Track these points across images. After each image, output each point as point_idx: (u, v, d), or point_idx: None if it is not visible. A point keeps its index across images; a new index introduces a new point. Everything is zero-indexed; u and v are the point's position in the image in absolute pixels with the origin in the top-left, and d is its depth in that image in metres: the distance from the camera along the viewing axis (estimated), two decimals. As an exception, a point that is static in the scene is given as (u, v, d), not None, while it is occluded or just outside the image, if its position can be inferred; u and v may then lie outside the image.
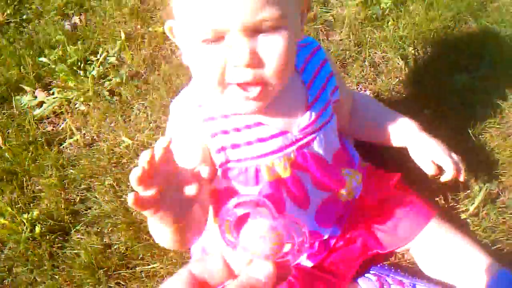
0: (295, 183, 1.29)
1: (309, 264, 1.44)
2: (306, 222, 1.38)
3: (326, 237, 1.44)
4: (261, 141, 1.22)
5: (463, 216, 1.59)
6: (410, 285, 1.41)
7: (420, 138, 1.44)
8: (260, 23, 0.99)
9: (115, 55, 2.17)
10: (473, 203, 1.59)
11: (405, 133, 1.47)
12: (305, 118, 1.23)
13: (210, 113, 1.19)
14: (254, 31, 1.00)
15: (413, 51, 2.03)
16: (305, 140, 1.26)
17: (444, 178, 1.39)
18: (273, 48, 1.03)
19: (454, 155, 1.42)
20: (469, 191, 1.64)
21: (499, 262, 1.46)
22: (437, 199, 1.62)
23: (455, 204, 1.62)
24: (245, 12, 0.98)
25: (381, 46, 2.06)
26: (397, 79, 1.96)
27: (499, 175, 1.67)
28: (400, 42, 2.05)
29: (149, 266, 1.60)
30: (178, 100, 1.26)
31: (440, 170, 1.40)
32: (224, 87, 1.07)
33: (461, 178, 1.39)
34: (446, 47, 2.03)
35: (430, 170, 1.40)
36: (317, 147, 1.29)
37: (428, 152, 1.41)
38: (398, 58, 2.01)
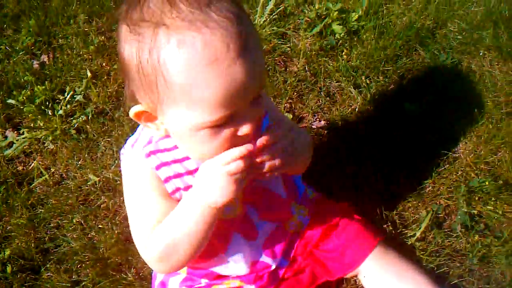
0: (242, 217, 1.39)
1: None
2: (253, 253, 1.48)
3: (274, 267, 1.53)
4: None
5: (410, 241, 1.69)
6: None
7: None
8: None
9: (82, 93, 2.25)
10: (420, 228, 1.69)
11: None
12: None
13: (163, 159, 1.28)
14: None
15: (365, 80, 2.13)
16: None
17: None
18: (262, 108, 1.17)
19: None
20: (416, 216, 1.74)
21: (443, 285, 1.56)
22: (385, 225, 1.72)
23: (403, 230, 1.72)
24: (256, 88, 1.10)
25: (335, 76, 2.16)
26: (351, 108, 2.06)
27: (446, 199, 1.77)
28: (353, 72, 2.15)
29: (116, 302, 1.68)
30: (125, 154, 1.34)
31: None
32: None
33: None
34: (397, 76, 2.14)
35: None
36: (264, 181, 1.39)
37: None
38: (351, 88, 2.11)
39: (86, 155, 2.06)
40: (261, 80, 1.11)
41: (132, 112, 1.17)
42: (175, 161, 1.28)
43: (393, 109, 2.02)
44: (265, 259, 1.51)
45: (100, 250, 1.80)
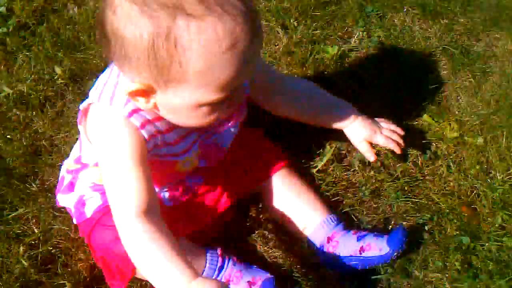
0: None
1: (169, 204, 1.55)
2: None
3: (189, 183, 1.57)
4: (182, 140, 1.35)
5: (312, 171, 1.76)
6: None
7: (355, 124, 1.64)
8: None
9: (5, 5, 2.20)
10: (322, 161, 1.75)
11: (342, 120, 1.65)
12: None
13: (146, 116, 1.25)
14: None
15: (294, 23, 2.17)
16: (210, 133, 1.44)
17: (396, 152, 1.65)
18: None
19: (385, 131, 1.65)
20: (321, 150, 1.80)
21: (335, 211, 1.65)
22: (293, 155, 1.76)
23: (308, 161, 1.78)
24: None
25: (265, 15, 2.19)
26: (276, 47, 2.10)
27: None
28: (282, 14, 2.18)
29: (17, 211, 1.67)
30: (101, 110, 1.26)
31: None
32: None
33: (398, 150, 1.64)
34: (324, 21, 2.18)
35: (365, 151, 1.64)
36: (218, 139, 1.48)
37: (361, 135, 1.63)
38: (279, 28, 2.14)
39: (2, 67, 2.03)
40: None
41: (127, 91, 1.16)
42: (155, 120, 1.27)
43: (314, 51, 2.06)
44: (185, 180, 1.56)
45: (6, 160, 1.79)
